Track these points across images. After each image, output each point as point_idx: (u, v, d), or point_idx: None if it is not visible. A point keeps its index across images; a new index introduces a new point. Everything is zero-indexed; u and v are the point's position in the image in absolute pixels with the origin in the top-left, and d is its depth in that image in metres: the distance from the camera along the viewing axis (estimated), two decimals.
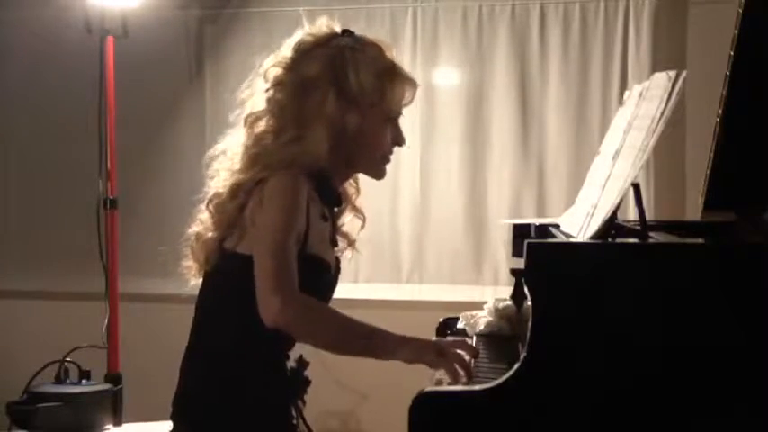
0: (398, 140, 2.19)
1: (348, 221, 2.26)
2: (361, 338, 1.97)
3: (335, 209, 2.22)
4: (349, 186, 2.26)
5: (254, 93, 2.13)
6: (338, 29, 2.15)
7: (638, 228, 1.99)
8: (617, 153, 2.12)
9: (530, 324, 1.82)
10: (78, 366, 3.83)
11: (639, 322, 1.79)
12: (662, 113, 1.91)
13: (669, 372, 1.78)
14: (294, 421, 2.09)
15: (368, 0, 4.41)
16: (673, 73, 1.97)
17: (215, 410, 2.04)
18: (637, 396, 1.78)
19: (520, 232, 2.55)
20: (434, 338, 2.31)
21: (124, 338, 3.97)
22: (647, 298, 1.79)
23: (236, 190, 2.05)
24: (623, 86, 4.13)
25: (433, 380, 2.05)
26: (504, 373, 1.83)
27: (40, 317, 4.57)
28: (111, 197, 3.90)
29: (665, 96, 1.93)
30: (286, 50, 2.13)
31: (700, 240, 2.06)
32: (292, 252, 1.95)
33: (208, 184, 2.15)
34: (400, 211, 4.40)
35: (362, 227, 2.27)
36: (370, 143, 2.13)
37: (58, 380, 3.78)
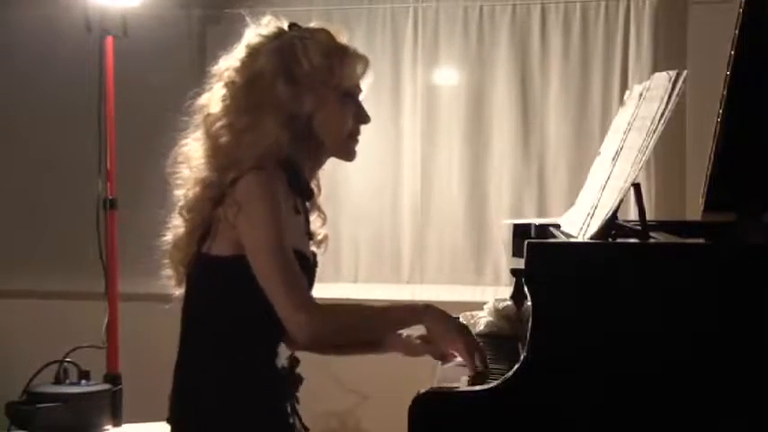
0: (361, 118, 2.17)
1: (312, 220, 2.25)
2: (388, 318, 2.06)
3: (307, 202, 2.20)
4: (312, 185, 2.25)
5: (211, 96, 2.14)
6: (285, 24, 2.16)
7: (639, 228, 1.99)
8: (617, 153, 2.12)
9: (530, 324, 1.82)
10: (78, 367, 3.83)
11: (639, 322, 1.78)
12: (662, 114, 1.91)
13: (669, 372, 1.78)
14: (290, 420, 2.09)
15: (369, 0, 4.41)
16: (673, 73, 1.97)
17: (209, 413, 2.04)
18: (637, 396, 1.78)
19: (520, 232, 2.55)
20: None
21: (124, 338, 3.97)
22: (647, 298, 1.79)
23: (204, 190, 2.06)
24: (624, 87, 4.13)
25: (435, 379, 2.05)
26: (504, 374, 1.83)
27: (40, 317, 4.56)
28: (111, 197, 3.90)
29: (666, 97, 1.93)
30: (238, 52, 2.14)
31: (700, 240, 2.05)
32: (291, 252, 1.96)
33: (174, 192, 2.14)
34: (401, 211, 4.40)
35: (323, 224, 2.25)
36: (330, 122, 2.12)
37: (58, 380, 3.78)
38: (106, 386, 3.82)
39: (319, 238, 2.23)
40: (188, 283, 2.11)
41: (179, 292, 2.15)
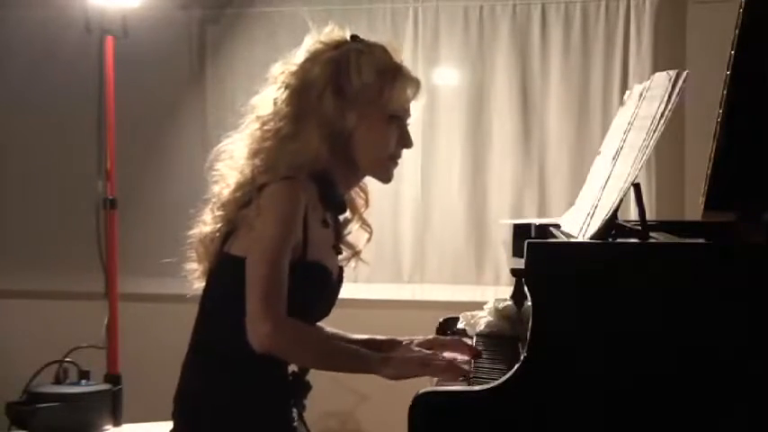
0: (404, 142, 2.17)
1: (355, 231, 2.25)
2: (345, 361, 2.07)
3: (340, 216, 2.20)
4: (357, 197, 2.25)
5: (263, 98, 2.14)
6: (348, 35, 2.16)
7: (639, 228, 1.99)
8: (617, 153, 2.12)
9: (530, 324, 1.82)
10: (78, 367, 3.84)
11: (639, 322, 1.78)
12: (662, 113, 1.91)
13: (669, 371, 1.78)
14: (294, 423, 2.09)
15: (369, 0, 4.41)
16: (673, 73, 1.97)
17: (216, 410, 2.04)
18: (637, 396, 1.78)
19: (520, 232, 2.55)
20: (432, 336, 2.31)
21: (124, 338, 3.97)
22: (647, 298, 1.79)
23: (238, 190, 2.07)
24: (624, 86, 4.13)
25: (434, 379, 2.05)
26: (505, 374, 1.83)
27: (40, 317, 4.56)
28: (111, 197, 3.90)
29: (666, 96, 1.93)
30: (297, 57, 2.14)
31: (700, 240, 2.05)
32: (284, 269, 1.96)
33: (211, 186, 2.15)
34: (401, 211, 4.40)
35: (369, 239, 2.26)
36: (371, 142, 2.11)
37: (58, 380, 3.78)
38: (106, 386, 3.82)
39: (356, 250, 2.24)
40: (208, 279, 2.12)
41: (198, 285, 2.15)
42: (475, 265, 4.36)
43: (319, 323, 2.22)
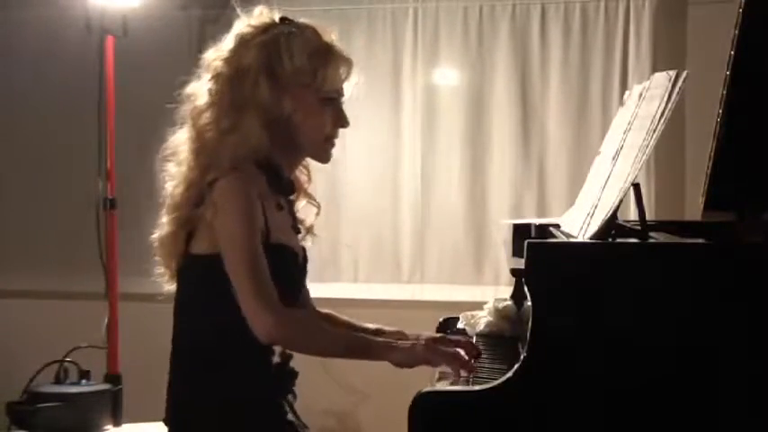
0: (341, 122, 2.16)
1: (302, 208, 2.26)
2: (352, 346, 2.07)
3: (291, 197, 2.21)
4: (300, 174, 2.26)
5: (199, 87, 2.14)
6: (277, 17, 2.15)
7: (638, 228, 1.99)
8: (617, 153, 2.12)
9: (530, 324, 1.82)
10: (78, 366, 3.83)
11: (639, 322, 1.79)
12: (662, 113, 1.91)
13: (669, 372, 1.78)
14: (288, 416, 2.10)
15: (369, 0, 4.41)
16: (673, 73, 1.97)
17: (208, 415, 2.04)
18: (637, 396, 1.78)
19: (520, 232, 2.55)
20: (439, 335, 2.32)
21: (124, 338, 3.97)
22: (647, 298, 1.79)
23: (188, 189, 2.07)
24: (623, 86, 4.13)
25: (434, 377, 2.05)
26: (504, 374, 1.83)
27: (40, 317, 4.56)
28: (111, 197, 3.90)
29: (665, 96, 1.93)
30: (227, 42, 2.13)
31: (700, 240, 2.05)
32: (264, 260, 1.98)
33: (164, 187, 2.16)
34: (401, 211, 4.40)
35: (318, 213, 2.27)
36: (309, 125, 2.12)
37: (58, 380, 3.78)
38: (106, 386, 3.82)
39: (307, 225, 2.24)
40: (177, 282, 2.13)
41: (169, 288, 2.16)
42: (475, 265, 4.36)
43: (333, 312, 2.27)
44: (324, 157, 2.19)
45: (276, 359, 2.10)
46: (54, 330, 4.33)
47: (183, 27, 4.46)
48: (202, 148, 2.07)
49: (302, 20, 2.15)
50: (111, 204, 3.90)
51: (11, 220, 4.68)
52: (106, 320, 3.90)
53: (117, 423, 3.80)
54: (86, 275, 4.09)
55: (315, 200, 2.27)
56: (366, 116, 4.30)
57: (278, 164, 2.12)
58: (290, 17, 2.16)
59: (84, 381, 3.81)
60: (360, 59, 4.38)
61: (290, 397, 2.13)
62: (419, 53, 4.40)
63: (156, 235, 2.15)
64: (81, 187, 4.16)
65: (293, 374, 2.14)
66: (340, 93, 2.15)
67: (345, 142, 4.50)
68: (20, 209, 4.67)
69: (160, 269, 2.17)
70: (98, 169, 3.95)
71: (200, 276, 2.05)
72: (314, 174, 2.26)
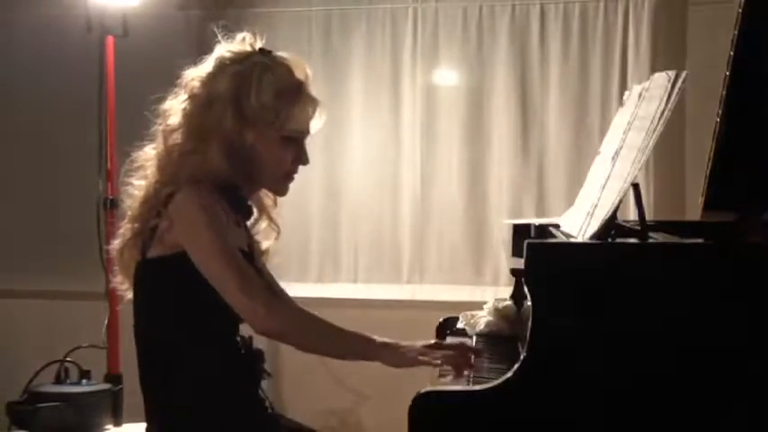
0: (301, 160, 2.19)
1: (263, 230, 2.28)
2: (347, 341, 2.06)
3: (249, 220, 2.24)
4: (266, 197, 2.28)
5: (173, 105, 2.18)
6: (258, 45, 2.18)
7: (638, 228, 1.99)
8: (617, 153, 2.13)
9: (530, 324, 1.82)
10: (78, 366, 3.83)
11: (639, 322, 1.79)
12: (662, 114, 1.91)
13: (669, 371, 1.78)
14: (266, 403, 2.13)
15: (368, 0, 4.42)
16: (672, 73, 1.97)
17: (186, 414, 2.08)
18: (636, 395, 1.78)
19: (520, 232, 2.55)
20: (434, 341, 2.31)
21: (124, 338, 3.96)
22: (646, 298, 1.79)
23: (147, 201, 2.11)
24: (623, 86, 4.13)
25: (435, 376, 2.05)
26: (504, 373, 1.83)
27: (40, 317, 4.56)
28: (111, 197, 3.90)
29: (665, 96, 1.93)
30: (207, 64, 2.17)
31: (700, 240, 2.06)
32: (241, 258, 2.02)
33: (125, 199, 2.19)
34: (400, 211, 4.40)
35: (276, 237, 2.29)
36: (269, 160, 2.14)
37: (58, 380, 3.78)
38: (107, 386, 3.82)
39: (262, 248, 2.27)
40: (134, 291, 2.16)
41: (129, 297, 2.19)
42: (474, 265, 4.36)
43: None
44: (281, 191, 2.23)
45: (239, 341, 2.13)
46: (54, 330, 4.33)
47: (183, 27, 4.45)
48: (168, 166, 2.11)
49: (280, 54, 2.18)
50: (112, 204, 3.90)
51: (11, 220, 4.68)
52: (106, 320, 3.90)
53: (117, 423, 3.80)
54: (86, 275, 4.08)
55: (276, 224, 2.29)
56: (366, 116, 4.31)
57: (237, 185, 2.15)
58: (270, 49, 2.18)
59: (84, 381, 3.81)
60: (359, 59, 4.42)
61: (263, 382, 2.17)
62: (419, 53, 4.40)
63: (116, 245, 2.18)
64: (81, 187, 4.16)
65: (260, 353, 2.17)
66: (304, 132, 2.18)
67: (345, 142, 4.54)
68: (20, 209, 4.67)
69: (118, 278, 2.21)
70: (98, 169, 3.95)
71: (155, 278, 2.08)
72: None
